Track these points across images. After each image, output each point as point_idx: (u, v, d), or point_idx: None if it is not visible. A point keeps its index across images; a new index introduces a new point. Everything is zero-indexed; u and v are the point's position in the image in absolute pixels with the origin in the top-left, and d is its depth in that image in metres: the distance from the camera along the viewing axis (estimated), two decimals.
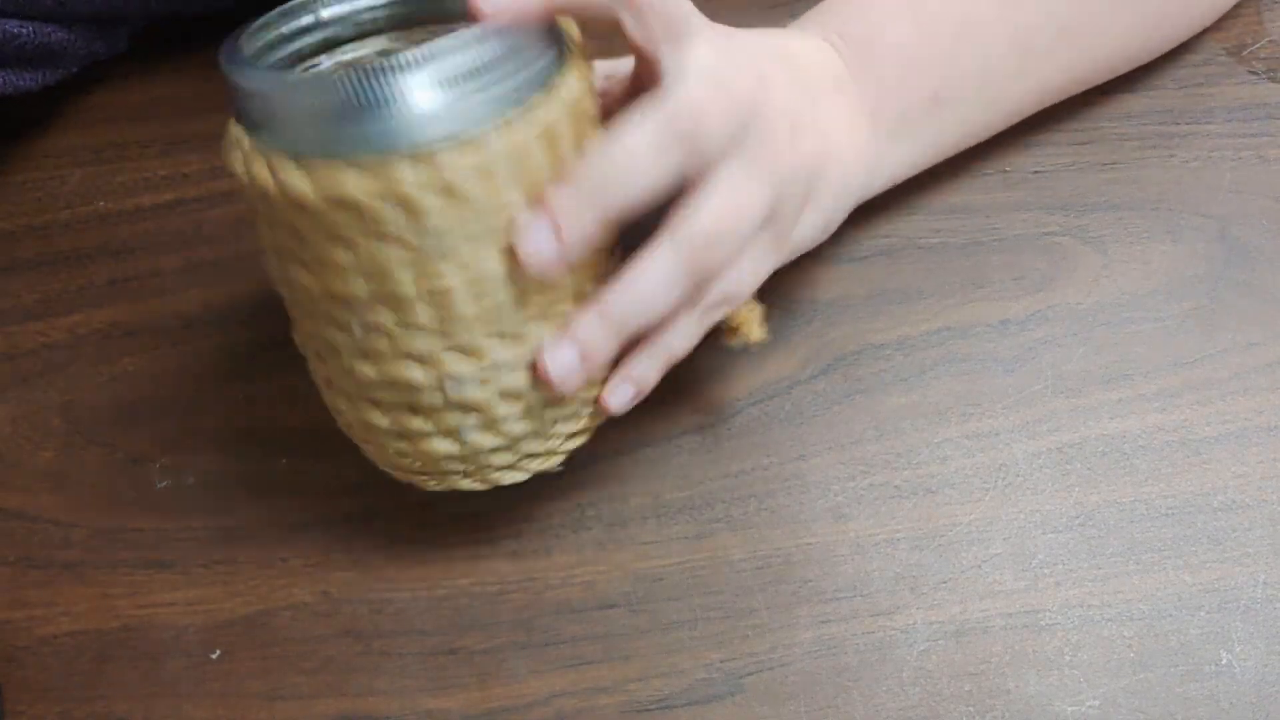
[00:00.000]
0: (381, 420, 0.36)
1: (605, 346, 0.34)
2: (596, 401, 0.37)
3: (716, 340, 0.41)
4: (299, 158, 0.30)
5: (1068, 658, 0.38)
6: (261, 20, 0.34)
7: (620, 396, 0.36)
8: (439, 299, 0.32)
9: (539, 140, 0.31)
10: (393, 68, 0.28)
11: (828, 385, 0.43)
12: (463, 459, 0.36)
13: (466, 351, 0.33)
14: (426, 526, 0.40)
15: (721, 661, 0.38)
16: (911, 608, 0.39)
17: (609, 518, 0.41)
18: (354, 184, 0.29)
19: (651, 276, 0.33)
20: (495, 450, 0.36)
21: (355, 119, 0.29)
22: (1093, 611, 0.38)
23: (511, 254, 0.32)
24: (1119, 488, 0.40)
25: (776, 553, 0.40)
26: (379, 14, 0.36)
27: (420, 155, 0.29)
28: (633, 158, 0.31)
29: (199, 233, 0.48)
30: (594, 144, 0.32)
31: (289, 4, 0.35)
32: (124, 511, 0.43)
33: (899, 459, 0.41)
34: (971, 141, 0.44)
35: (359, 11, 0.36)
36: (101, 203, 0.49)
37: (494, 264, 0.32)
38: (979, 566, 0.39)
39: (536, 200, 0.31)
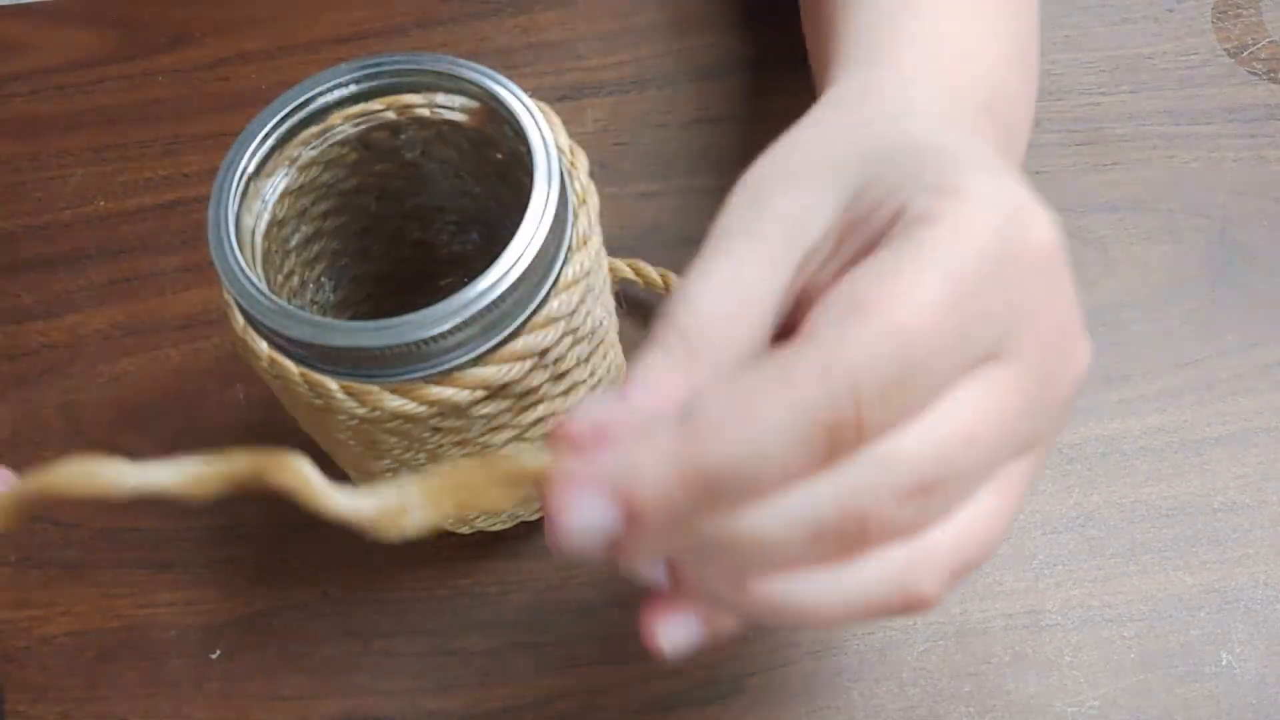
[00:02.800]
0: None
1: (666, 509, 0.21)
2: None
3: None
4: (337, 378, 0.29)
5: (1068, 658, 0.38)
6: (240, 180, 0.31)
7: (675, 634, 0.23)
8: (480, 448, 0.33)
9: (560, 322, 0.30)
10: (424, 326, 0.28)
11: None
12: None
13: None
14: None
15: (722, 662, 0.38)
16: None
17: None
18: (400, 403, 0.29)
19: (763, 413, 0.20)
20: None
21: (394, 362, 0.28)
22: (1093, 612, 0.38)
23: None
24: (1119, 488, 0.40)
25: None
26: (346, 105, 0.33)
27: (459, 375, 0.29)
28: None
29: (199, 233, 0.47)
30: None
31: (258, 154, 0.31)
32: (124, 511, 0.43)
33: None
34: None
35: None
36: (101, 203, 0.49)
37: (536, 414, 0.32)
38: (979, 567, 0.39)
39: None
